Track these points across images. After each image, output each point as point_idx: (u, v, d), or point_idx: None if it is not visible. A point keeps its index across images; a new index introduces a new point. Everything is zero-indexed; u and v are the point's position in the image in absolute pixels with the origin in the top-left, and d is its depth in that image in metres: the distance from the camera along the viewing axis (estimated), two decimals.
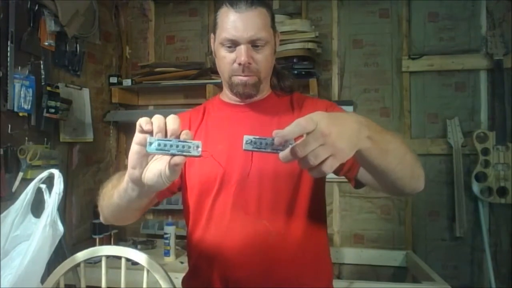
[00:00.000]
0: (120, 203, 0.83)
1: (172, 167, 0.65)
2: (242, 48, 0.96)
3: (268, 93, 1.11)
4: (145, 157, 0.69)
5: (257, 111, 1.07)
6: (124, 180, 0.76)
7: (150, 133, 0.66)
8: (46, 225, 0.93)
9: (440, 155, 2.24)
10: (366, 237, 2.31)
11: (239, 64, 0.97)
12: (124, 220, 0.97)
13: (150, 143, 0.64)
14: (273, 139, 0.63)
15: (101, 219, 0.99)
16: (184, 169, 1.05)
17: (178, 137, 0.66)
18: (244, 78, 1.00)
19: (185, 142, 0.65)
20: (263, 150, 0.64)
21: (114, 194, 0.83)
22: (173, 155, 0.64)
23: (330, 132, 0.61)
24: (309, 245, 1.01)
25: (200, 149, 0.65)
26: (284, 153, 0.62)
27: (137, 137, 0.67)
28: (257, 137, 0.64)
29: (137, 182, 0.71)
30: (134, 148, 0.68)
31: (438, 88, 2.27)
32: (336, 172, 1.01)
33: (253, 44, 0.97)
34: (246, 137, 0.64)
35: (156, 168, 0.68)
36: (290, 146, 0.61)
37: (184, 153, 0.64)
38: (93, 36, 2.24)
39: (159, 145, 0.64)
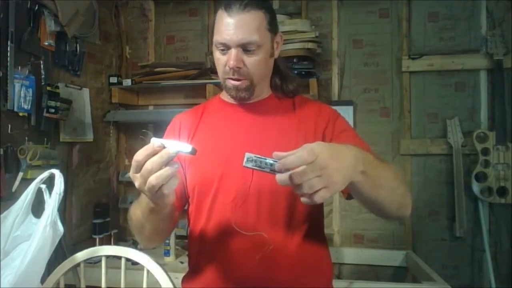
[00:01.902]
0: (145, 221, 0.93)
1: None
2: (232, 52, 0.96)
3: (268, 94, 1.11)
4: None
5: (257, 111, 1.07)
6: (143, 200, 0.86)
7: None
8: (47, 225, 0.93)
9: (440, 155, 2.24)
10: (366, 237, 2.31)
11: (230, 67, 0.98)
12: (161, 235, 1.05)
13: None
14: (272, 161, 0.66)
15: (142, 246, 1.12)
16: (185, 169, 1.05)
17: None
18: (236, 83, 1.00)
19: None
20: (262, 169, 0.68)
21: (139, 216, 0.93)
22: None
23: (328, 165, 0.65)
24: (309, 245, 1.01)
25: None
26: (281, 177, 0.65)
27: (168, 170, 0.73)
28: (258, 156, 0.67)
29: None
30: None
31: (438, 88, 2.27)
32: None
33: (244, 48, 0.96)
34: (248, 155, 0.68)
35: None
36: (288, 173, 0.64)
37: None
38: (93, 36, 2.24)
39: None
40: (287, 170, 0.65)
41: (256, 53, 0.98)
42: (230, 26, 0.95)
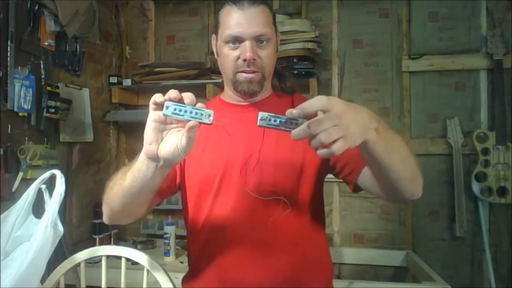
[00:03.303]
0: (133, 185, 0.83)
1: (188, 131, 0.69)
2: (246, 44, 0.97)
3: (269, 93, 1.11)
4: (160, 133, 0.73)
5: (258, 110, 1.06)
6: (138, 160, 0.79)
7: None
8: (47, 226, 0.93)
9: (440, 155, 2.24)
10: (366, 237, 2.32)
11: (244, 60, 0.97)
12: (132, 211, 0.96)
13: (167, 107, 0.69)
14: (287, 118, 0.67)
15: (105, 218, 0.98)
16: (183, 167, 1.05)
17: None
18: (249, 76, 1.00)
19: (199, 109, 0.69)
20: (277, 127, 0.68)
21: (127, 177, 0.84)
22: (186, 120, 0.69)
23: (344, 115, 0.65)
24: (309, 245, 1.02)
25: (212, 117, 0.69)
26: (297, 130, 0.65)
27: (152, 114, 0.72)
28: (272, 114, 0.68)
29: (153, 157, 0.74)
30: (151, 125, 0.73)
31: (438, 88, 2.27)
32: (336, 174, 1.02)
33: (257, 40, 0.98)
34: (261, 114, 0.68)
35: (172, 141, 0.72)
36: (305, 124, 0.64)
37: (197, 119, 0.69)
38: (93, 36, 2.24)
39: (174, 109, 0.69)
40: (305, 116, 0.65)
41: (267, 46, 1.00)
42: (242, 19, 0.96)
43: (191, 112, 0.68)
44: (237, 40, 0.98)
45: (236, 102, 1.09)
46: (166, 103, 0.68)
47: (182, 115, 0.68)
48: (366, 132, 0.69)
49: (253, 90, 1.02)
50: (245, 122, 1.05)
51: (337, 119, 0.64)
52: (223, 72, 1.06)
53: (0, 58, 1.61)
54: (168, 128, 0.73)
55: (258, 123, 0.68)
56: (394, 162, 0.79)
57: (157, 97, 0.71)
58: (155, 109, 0.72)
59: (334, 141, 0.63)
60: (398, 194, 0.88)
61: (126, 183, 0.84)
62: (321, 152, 0.65)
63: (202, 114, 0.68)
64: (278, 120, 0.67)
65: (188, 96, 0.70)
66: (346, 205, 2.33)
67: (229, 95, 1.10)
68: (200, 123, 0.68)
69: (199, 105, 0.70)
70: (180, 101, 0.70)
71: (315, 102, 0.65)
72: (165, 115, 0.69)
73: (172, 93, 0.70)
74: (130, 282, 1.26)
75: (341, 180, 1.04)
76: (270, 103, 1.09)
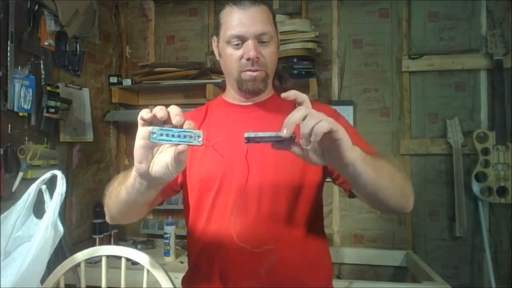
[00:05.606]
0: (128, 199, 0.83)
1: (177, 155, 0.65)
2: (249, 43, 0.98)
3: (271, 94, 1.12)
4: (151, 150, 0.70)
5: (260, 111, 1.07)
6: (131, 175, 0.77)
7: (152, 123, 0.67)
8: (48, 226, 0.93)
9: (440, 155, 2.24)
10: (366, 237, 2.32)
11: (248, 59, 0.98)
12: (131, 217, 0.96)
13: (153, 133, 0.64)
14: (275, 134, 0.69)
15: (107, 219, 0.99)
16: (185, 167, 1.05)
17: (181, 126, 0.67)
18: (254, 74, 1.01)
19: (187, 131, 0.66)
20: (264, 140, 0.69)
21: (122, 190, 0.83)
22: (175, 144, 0.65)
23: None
24: (309, 245, 1.02)
25: (201, 138, 0.66)
26: (286, 120, 0.68)
27: (140, 130, 0.68)
28: (257, 132, 0.69)
29: (145, 175, 0.72)
30: (139, 142, 0.69)
31: (438, 88, 2.27)
32: (333, 180, 1.03)
33: (259, 39, 0.99)
34: (247, 134, 0.69)
35: (163, 160, 0.69)
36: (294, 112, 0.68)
37: (186, 143, 0.65)
38: (93, 36, 2.24)
39: (161, 134, 0.65)
40: (296, 98, 0.73)
41: (269, 45, 1.01)
42: (244, 19, 0.97)
43: (179, 136, 0.65)
44: (240, 40, 0.98)
45: (239, 102, 1.09)
46: (151, 129, 0.64)
47: (170, 140, 0.65)
48: (351, 152, 0.71)
49: (258, 88, 1.03)
50: (247, 122, 1.05)
51: (322, 115, 0.68)
52: (227, 73, 1.06)
53: (0, 58, 1.61)
54: (158, 144, 0.70)
55: (245, 140, 0.70)
56: (381, 182, 0.78)
57: (144, 113, 0.68)
58: (143, 125, 0.68)
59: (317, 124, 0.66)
60: (388, 209, 0.88)
61: (121, 196, 0.84)
62: (313, 134, 0.66)
63: (191, 136, 0.65)
64: (265, 138, 0.69)
65: (175, 115, 0.66)
66: (346, 205, 2.33)
67: (231, 95, 1.10)
68: (189, 145, 0.66)
69: (186, 123, 0.67)
70: (167, 120, 0.67)
71: (302, 95, 0.72)
72: (152, 142, 0.65)
73: (159, 112, 0.66)
74: (130, 282, 1.26)
75: None
76: (272, 103, 1.09)
